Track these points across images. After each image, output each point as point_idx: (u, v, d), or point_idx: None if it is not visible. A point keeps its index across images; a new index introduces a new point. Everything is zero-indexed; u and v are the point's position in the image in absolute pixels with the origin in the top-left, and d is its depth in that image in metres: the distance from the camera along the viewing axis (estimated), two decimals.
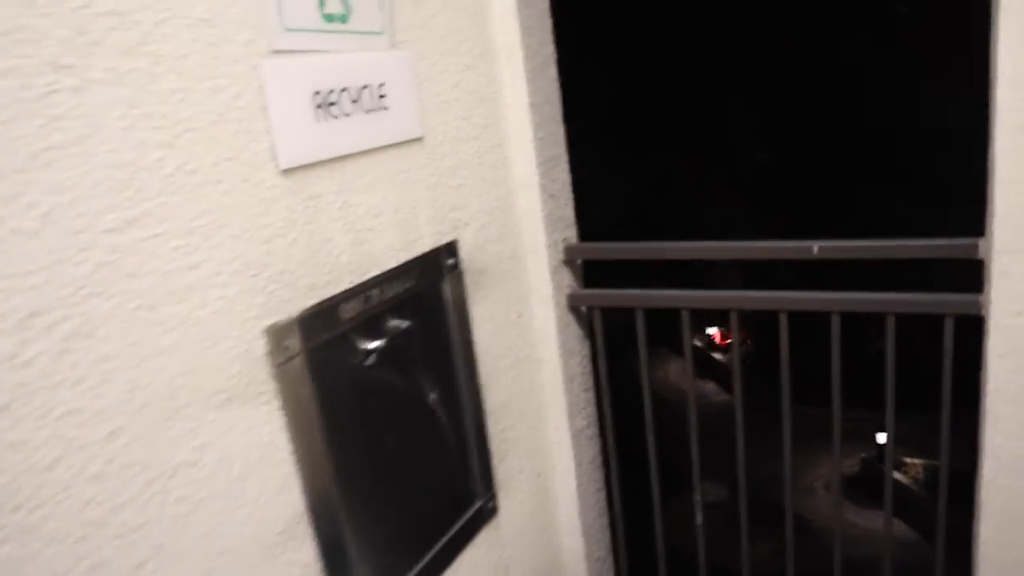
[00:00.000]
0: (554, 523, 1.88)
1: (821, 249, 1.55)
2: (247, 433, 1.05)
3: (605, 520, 2.03)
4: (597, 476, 1.96)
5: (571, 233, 1.78)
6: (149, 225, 0.92)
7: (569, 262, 1.76)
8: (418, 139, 1.35)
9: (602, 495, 2.00)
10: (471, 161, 1.50)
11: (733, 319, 1.69)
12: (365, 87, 1.22)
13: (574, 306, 1.79)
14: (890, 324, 1.54)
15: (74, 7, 0.84)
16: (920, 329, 1.71)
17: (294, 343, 1.10)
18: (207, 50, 0.98)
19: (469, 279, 1.49)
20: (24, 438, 0.81)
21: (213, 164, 0.99)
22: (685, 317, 1.72)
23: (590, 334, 1.85)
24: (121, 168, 0.88)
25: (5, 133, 0.78)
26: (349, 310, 1.20)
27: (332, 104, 1.16)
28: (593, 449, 1.93)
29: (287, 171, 1.09)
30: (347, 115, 1.18)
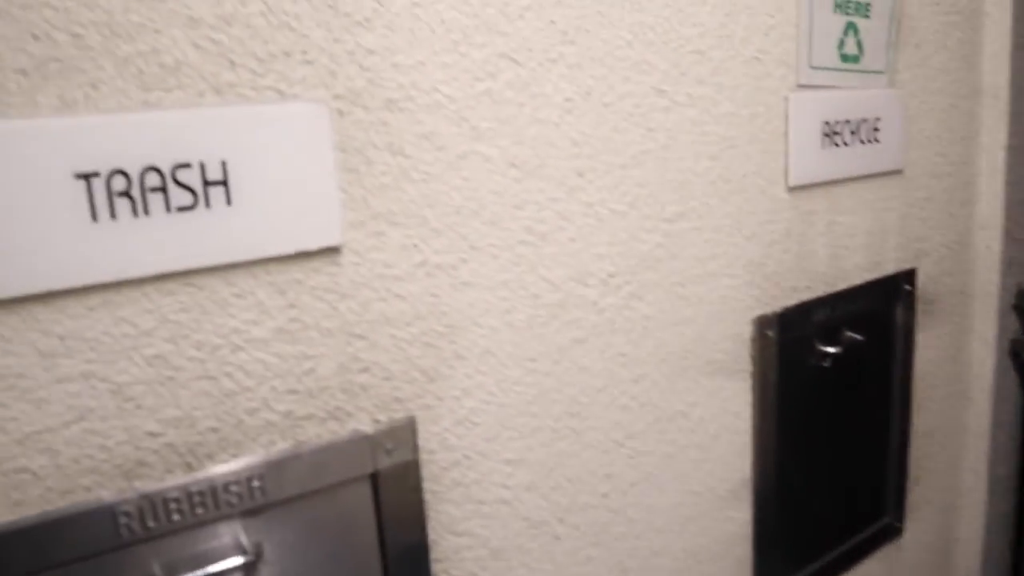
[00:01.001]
0: (951, 565, 1.86)
1: None
2: (724, 401, 1.26)
3: None
4: (1008, 532, 1.90)
5: None
6: (692, 219, 1.15)
7: (1018, 307, 1.73)
8: (899, 171, 1.46)
9: (1007, 555, 1.93)
10: (940, 196, 1.57)
11: None
12: (864, 120, 1.36)
13: (1016, 351, 1.76)
14: None
15: (665, 42, 1.09)
16: None
17: (772, 334, 1.28)
18: (753, 82, 1.19)
19: (920, 307, 1.56)
20: (588, 365, 1.08)
21: (742, 176, 1.20)
22: None
23: None
24: (682, 172, 1.13)
25: (617, 139, 1.05)
26: (817, 315, 1.35)
27: (836, 134, 1.32)
28: (1009, 503, 1.87)
29: (793, 188, 1.27)
30: (846, 144, 1.33)
